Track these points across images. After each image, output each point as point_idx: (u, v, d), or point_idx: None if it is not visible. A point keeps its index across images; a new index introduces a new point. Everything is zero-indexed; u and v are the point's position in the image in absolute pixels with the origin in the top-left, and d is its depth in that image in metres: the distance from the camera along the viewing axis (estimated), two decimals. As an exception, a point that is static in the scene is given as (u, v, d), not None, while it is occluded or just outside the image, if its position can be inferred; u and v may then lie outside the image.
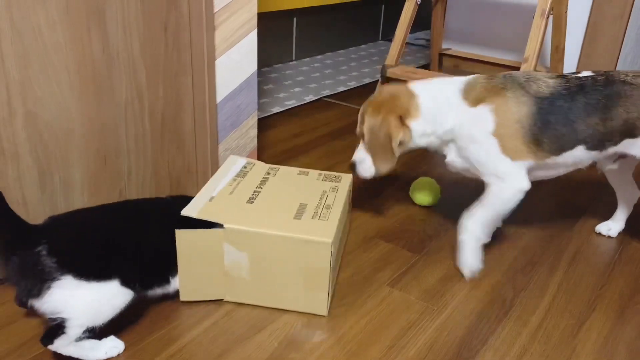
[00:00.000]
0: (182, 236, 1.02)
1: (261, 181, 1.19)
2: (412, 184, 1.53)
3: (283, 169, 1.27)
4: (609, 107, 1.12)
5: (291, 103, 2.30)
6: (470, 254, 1.21)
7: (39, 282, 0.87)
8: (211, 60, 1.33)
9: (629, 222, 1.42)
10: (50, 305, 0.88)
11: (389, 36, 3.57)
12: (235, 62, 1.41)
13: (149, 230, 1.01)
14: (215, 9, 1.29)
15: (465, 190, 1.64)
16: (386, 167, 1.23)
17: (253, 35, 1.43)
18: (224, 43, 1.36)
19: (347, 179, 1.26)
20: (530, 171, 1.18)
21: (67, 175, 1.15)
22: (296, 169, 1.28)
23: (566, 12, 1.66)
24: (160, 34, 1.24)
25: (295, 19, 2.80)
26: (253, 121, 1.54)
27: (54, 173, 1.13)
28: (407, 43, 1.70)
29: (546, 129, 1.13)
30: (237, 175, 1.20)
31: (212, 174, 1.46)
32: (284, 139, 1.96)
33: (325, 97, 2.43)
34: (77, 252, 0.91)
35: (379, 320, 1.07)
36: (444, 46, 2.17)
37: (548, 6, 1.46)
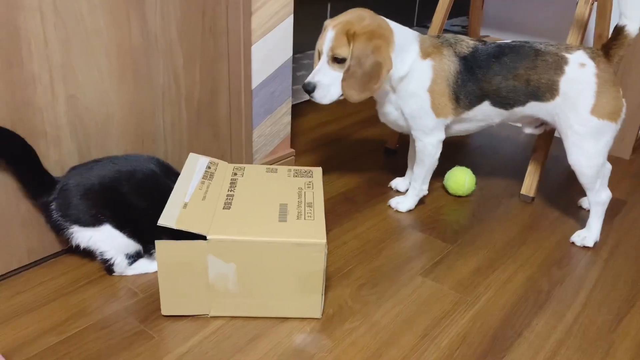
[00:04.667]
0: (163, 247, 0.95)
1: (231, 183, 1.11)
2: (447, 173, 1.51)
3: (249, 167, 1.18)
4: (511, 68, 1.24)
5: (324, 90, 2.29)
6: (411, 201, 1.42)
7: (59, 230, 1.08)
8: (247, 46, 1.34)
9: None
10: (82, 245, 1.08)
11: (423, 22, 3.52)
12: (271, 48, 1.41)
13: (130, 191, 1.09)
14: (252, -5, 1.29)
15: (501, 179, 1.61)
16: (363, 96, 1.23)
17: (289, 21, 1.42)
18: (260, 28, 1.36)
19: (317, 172, 1.18)
20: (450, 125, 1.33)
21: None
22: (264, 167, 1.19)
23: (611, -2, 1.60)
24: (198, 20, 1.24)
25: (329, 5, 2.78)
26: (287, 108, 1.55)
27: (93, 156, 1.15)
28: (443, 29, 1.67)
29: (462, 86, 1.26)
30: (204, 177, 1.11)
31: (245, 160, 1.47)
32: (316, 125, 1.95)
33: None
34: (73, 208, 1.06)
35: (411, 310, 1.07)
36: (482, 33, 2.12)
37: (592, -7, 1.41)
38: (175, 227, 0.94)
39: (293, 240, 0.96)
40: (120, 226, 1.08)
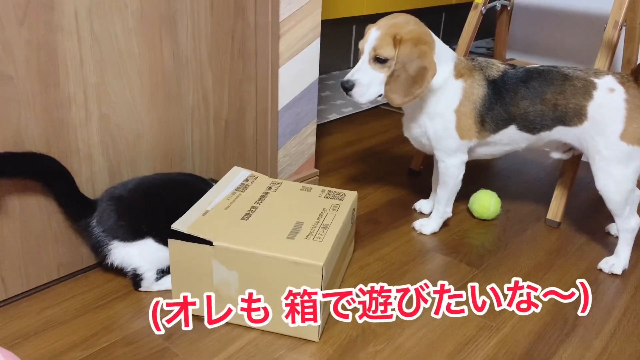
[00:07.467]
0: (175, 245, 1.01)
1: (261, 196, 1.14)
2: (472, 196, 1.50)
3: (286, 184, 1.21)
4: (539, 93, 1.24)
5: (348, 110, 2.31)
6: (435, 223, 1.42)
7: (98, 247, 1.10)
8: (275, 68, 1.36)
9: None
10: (116, 262, 1.10)
11: (448, 44, 3.53)
12: (298, 70, 1.43)
13: (172, 202, 1.13)
14: (281, 18, 1.32)
15: (527, 203, 1.60)
16: (406, 100, 1.20)
17: (316, 44, 1.45)
18: (288, 51, 1.38)
19: (351, 196, 1.19)
20: (473, 148, 1.33)
21: (135, 176, 1.19)
22: (299, 185, 1.21)
23: (640, 23, 1.59)
24: (227, 42, 1.27)
25: (354, 27, 2.81)
26: (312, 128, 1.56)
27: (124, 173, 1.18)
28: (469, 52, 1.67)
29: (489, 109, 1.26)
30: (237, 189, 1.15)
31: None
32: (341, 145, 1.96)
33: (382, 104, 2.42)
34: (115, 222, 1.09)
35: (436, 334, 1.06)
36: (508, 56, 2.12)
37: (621, 17, 1.40)
38: (185, 231, 1.00)
39: (291, 259, 0.97)
40: (163, 239, 1.08)
